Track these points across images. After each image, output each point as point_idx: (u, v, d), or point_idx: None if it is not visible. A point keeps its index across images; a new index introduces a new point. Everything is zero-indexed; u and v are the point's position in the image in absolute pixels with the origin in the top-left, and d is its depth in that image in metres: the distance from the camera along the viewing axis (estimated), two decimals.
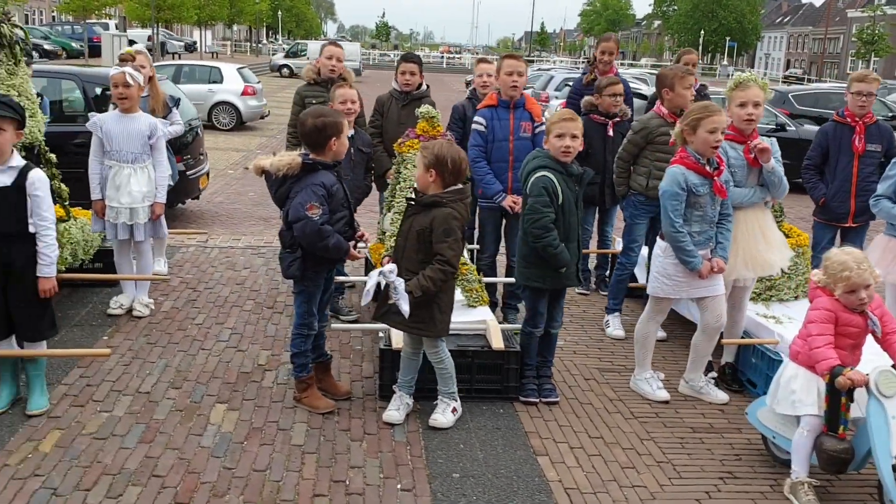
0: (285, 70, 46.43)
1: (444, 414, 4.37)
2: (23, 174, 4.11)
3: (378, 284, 4.09)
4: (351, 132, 5.66)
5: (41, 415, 4.29)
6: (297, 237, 4.27)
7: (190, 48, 57.37)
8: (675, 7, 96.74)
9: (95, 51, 45.29)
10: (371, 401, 4.69)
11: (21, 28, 5.33)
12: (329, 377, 4.72)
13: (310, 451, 4.08)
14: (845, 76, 76.88)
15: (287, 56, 49.68)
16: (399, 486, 3.79)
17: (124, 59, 5.90)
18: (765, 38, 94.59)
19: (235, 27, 79.02)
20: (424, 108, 6.00)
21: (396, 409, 4.42)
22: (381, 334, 4.89)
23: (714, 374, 5.01)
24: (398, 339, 4.61)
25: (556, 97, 23.55)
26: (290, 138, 6.59)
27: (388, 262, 4.19)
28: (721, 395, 4.89)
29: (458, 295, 5.12)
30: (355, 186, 5.75)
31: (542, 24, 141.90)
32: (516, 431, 4.39)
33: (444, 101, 13.61)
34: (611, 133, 6.47)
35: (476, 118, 6.03)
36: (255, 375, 4.97)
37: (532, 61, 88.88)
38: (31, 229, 4.15)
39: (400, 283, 3.97)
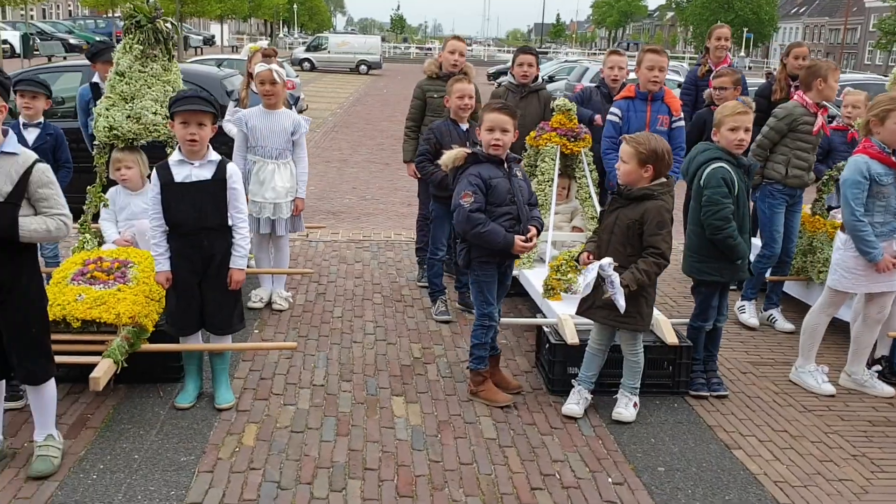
0: (306, 64, 46.33)
1: (627, 408, 4.38)
2: (221, 168, 4.14)
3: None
4: (465, 126, 5.68)
5: (230, 408, 4.32)
6: (454, 224, 4.38)
7: (208, 42, 57.41)
8: None
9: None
10: (542, 395, 4.70)
11: (172, 23, 5.33)
12: (499, 371, 4.74)
13: (506, 444, 4.09)
14: (863, 67, 76.61)
15: (308, 50, 49.54)
16: (610, 480, 3.80)
17: (268, 55, 5.91)
18: (780, 29, 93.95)
19: (252, 20, 79.09)
20: (561, 101, 6.00)
21: (576, 403, 4.43)
22: (546, 329, 4.89)
23: (879, 367, 5.01)
24: (572, 333, 4.61)
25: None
26: (409, 132, 6.61)
27: (589, 258, 4.20)
28: (887, 389, 4.88)
29: None
30: None
31: (558, 15, 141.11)
32: (699, 425, 4.40)
33: None
34: None
35: (612, 109, 6.03)
36: (418, 368, 4.99)
37: (544, 53, 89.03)
38: (229, 222, 4.18)
39: (616, 278, 3.98)
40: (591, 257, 4.22)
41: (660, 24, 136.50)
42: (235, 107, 6.45)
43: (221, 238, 4.17)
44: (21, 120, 5.45)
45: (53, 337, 4.13)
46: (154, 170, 4.15)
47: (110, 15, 49.04)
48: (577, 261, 4.48)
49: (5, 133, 3.41)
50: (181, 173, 4.09)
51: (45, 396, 3.67)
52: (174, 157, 4.13)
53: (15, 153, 3.39)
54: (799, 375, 4.99)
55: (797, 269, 6.05)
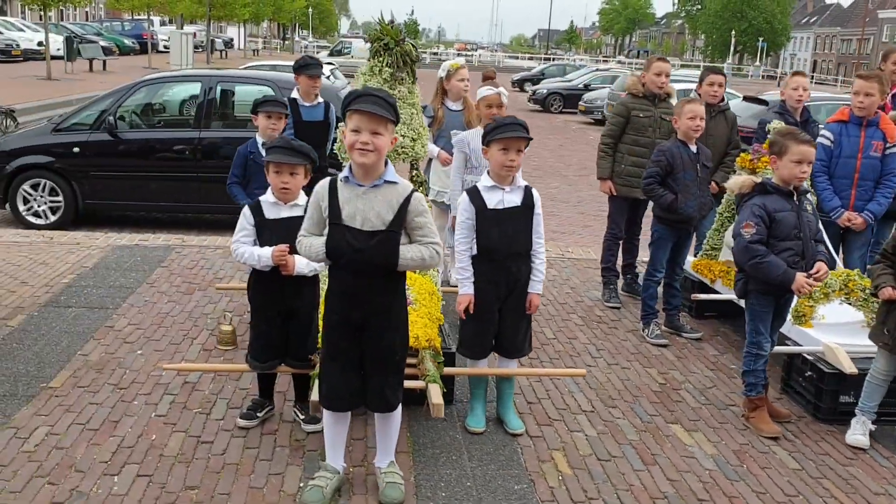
0: (327, 69, 46.27)
1: None
2: (528, 193, 4.16)
3: None
4: (694, 148, 5.71)
5: (521, 434, 4.33)
6: (733, 253, 4.42)
7: (228, 45, 57.41)
8: (700, 6, 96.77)
9: (146, 47, 45.46)
10: (807, 423, 4.71)
11: (413, 45, 5.34)
12: (766, 400, 4.74)
13: (816, 475, 4.10)
14: None
15: (331, 54, 49.48)
16: None
17: (489, 77, 5.92)
18: (792, 38, 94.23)
19: (265, 24, 79.09)
20: (777, 124, 6.02)
21: (863, 434, 4.44)
22: (809, 357, 4.89)
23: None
24: (849, 364, 4.61)
25: None
26: (607, 149, 6.61)
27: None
28: None
29: (858, 314, 5.14)
30: (702, 203, 5.78)
31: (572, 22, 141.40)
32: None
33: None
34: None
35: (823, 132, 6.06)
36: (671, 395, 5.00)
37: (549, 59, 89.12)
38: (532, 247, 4.19)
39: None
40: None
41: (667, 31, 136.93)
42: (429, 125, 6.45)
43: (526, 263, 4.18)
44: (259, 139, 5.45)
45: None
46: (466, 194, 4.16)
47: (136, 17, 49.07)
48: (874, 294, 4.49)
49: (386, 164, 3.43)
50: (493, 199, 4.10)
51: (393, 423, 3.68)
52: (486, 181, 4.14)
53: (395, 182, 3.41)
54: None
55: None
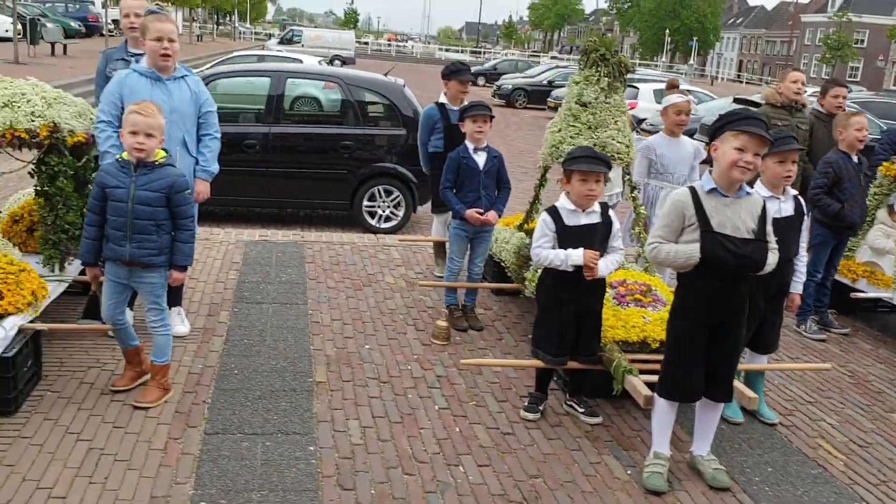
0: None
1: None
2: (798, 201, 4.50)
3: None
4: (856, 159, 6.14)
5: (776, 424, 4.69)
6: None
7: None
8: (630, 4, 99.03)
9: (92, 31, 43.96)
10: None
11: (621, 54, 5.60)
12: None
13: None
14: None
15: (281, 43, 48.74)
16: None
17: (674, 86, 6.24)
18: (722, 38, 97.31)
19: (199, 10, 77.13)
20: None
21: None
22: None
23: None
24: None
25: None
26: None
27: None
28: None
29: None
30: (863, 209, 6.25)
31: (510, 17, 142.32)
32: None
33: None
34: None
35: None
36: (866, 385, 5.44)
37: (480, 52, 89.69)
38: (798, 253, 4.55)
39: None
40: None
41: (596, 27, 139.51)
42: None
43: (789, 267, 4.50)
44: (470, 145, 5.62)
45: (635, 357, 4.47)
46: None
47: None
48: None
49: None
50: (772, 207, 4.42)
51: (718, 413, 3.99)
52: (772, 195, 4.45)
53: (750, 193, 3.72)
54: None
55: None
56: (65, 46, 30.29)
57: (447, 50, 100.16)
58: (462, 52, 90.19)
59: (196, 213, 4.55)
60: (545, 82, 34.29)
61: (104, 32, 41.72)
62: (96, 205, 4.05)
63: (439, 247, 7.25)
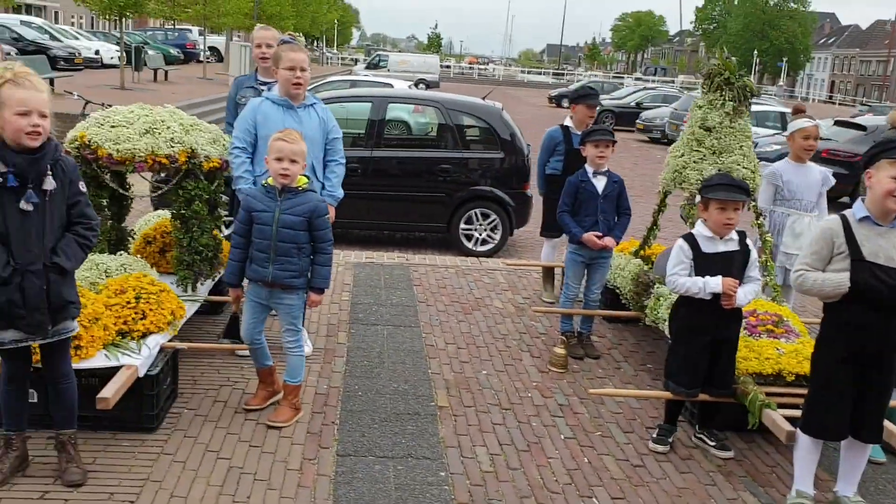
0: None
1: None
2: None
3: None
4: None
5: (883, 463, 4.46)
6: None
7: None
8: (716, 25, 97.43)
9: (189, 57, 45.65)
10: None
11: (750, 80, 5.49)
12: None
13: None
14: (895, 99, 77.18)
15: (368, 67, 49.65)
16: None
17: (800, 110, 6.09)
18: (813, 59, 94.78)
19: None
20: None
21: None
22: None
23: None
24: None
25: None
26: None
27: None
28: None
29: None
30: None
31: (594, 38, 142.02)
32: None
33: None
34: None
35: None
36: None
37: (562, 74, 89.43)
38: None
39: None
40: None
41: (680, 49, 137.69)
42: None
43: None
44: (590, 169, 5.59)
45: (770, 390, 4.32)
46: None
47: (177, 27, 49.28)
48: None
49: None
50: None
51: (867, 453, 3.82)
52: None
53: None
54: None
55: None
56: (166, 73, 31.57)
57: (528, 72, 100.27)
58: (545, 73, 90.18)
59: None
60: (633, 104, 34.00)
61: (201, 59, 43.46)
62: (242, 228, 4.18)
63: (547, 272, 7.23)
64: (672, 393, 4.34)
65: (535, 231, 10.89)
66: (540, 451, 4.28)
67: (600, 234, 5.53)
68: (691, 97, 29.41)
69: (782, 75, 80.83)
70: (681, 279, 4.22)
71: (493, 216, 9.35)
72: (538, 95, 51.97)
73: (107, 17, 26.25)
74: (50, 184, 3.31)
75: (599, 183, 5.56)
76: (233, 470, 3.84)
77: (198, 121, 5.13)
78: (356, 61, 64.90)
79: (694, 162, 5.36)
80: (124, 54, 26.43)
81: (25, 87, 3.21)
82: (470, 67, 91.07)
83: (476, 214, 9.34)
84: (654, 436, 4.46)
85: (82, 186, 3.47)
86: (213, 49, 46.59)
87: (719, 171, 5.29)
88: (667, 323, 5.08)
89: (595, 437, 4.50)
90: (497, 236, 9.37)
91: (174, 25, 48.78)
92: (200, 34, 52.79)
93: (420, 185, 9.36)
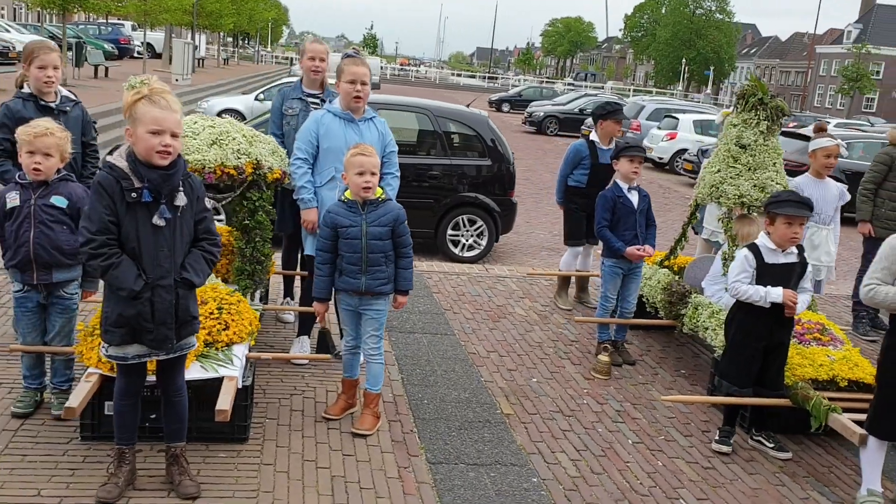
0: None
1: None
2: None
3: None
4: None
5: None
6: None
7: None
8: (644, 33, 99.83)
9: (123, 53, 44.43)
10: None
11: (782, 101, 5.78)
12: None
13: None
14: (813, 108, 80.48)
15: None
16: None
17: (821, 129, 6.39)
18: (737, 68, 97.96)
19: (221, 34, 78.00)
20: None
21: None
22: None
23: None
24: None
25: (659, 127, 24.61)
26: (869, 194, 7.18)
27: None
28: None
29: None
30: None
31: (529, 43, 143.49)
32: None
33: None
34: None
35: None
36: None
37: (495, 78, 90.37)
38: None
39: None
40: None
41: (608, 55, 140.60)
42: None
43: None
44: (623, 185, 5.79)
45: (826, 395, 4.61)
46: None
47: (109, 22, 47.97)
48: None
49: None
50: None
51: None
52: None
53: None
54: None
55: None
56: (106, 69, 30.69)
57: (461, 75, 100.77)
58: (477, 77, 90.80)
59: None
60: (577, 110, 34.52)
61: (135, 55, 42.43)
62: (328, 244, 4.25)
63: (563, 280, 7.42)
64: (727, 392, 4.58)
65: (519, 237, 11.14)
66: (616, 456, 4.46)
67: (640, 246, 5.75)
68: (636, 103, 30.23)
69: (709, 83, 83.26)
70: (743, 286, 4.46)
71: (480, 222, 9.51)
72: (478, 99, 52.20)
73: (48, 10, 25.44)
74: (182, 200, 3.32)
75: (633, 197, 5.78)
76: (336, 479, 3.89)
77: (257, 133, 5.13)
78: (292, 60, 64.12)
79: (731, 178, 5.63)
80: (66, 52, 25.60)
81: (161, 105, 3.22)
82: (402, 69, 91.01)
83: (463, 220, 9.49)
84: (717, 437, 4.69)
85: (208, 203, 3.49)
86: (150, 46, 45.45)
87: (754, 186, 5.58)
88: (709, 330, 5.36)
89: (660, 442, 4.70)
90: (483, 242, 9.53)
91: (106, 20, 47.52)
92: (134, 29, 51.60)
93: (408, 191, 9.42)
